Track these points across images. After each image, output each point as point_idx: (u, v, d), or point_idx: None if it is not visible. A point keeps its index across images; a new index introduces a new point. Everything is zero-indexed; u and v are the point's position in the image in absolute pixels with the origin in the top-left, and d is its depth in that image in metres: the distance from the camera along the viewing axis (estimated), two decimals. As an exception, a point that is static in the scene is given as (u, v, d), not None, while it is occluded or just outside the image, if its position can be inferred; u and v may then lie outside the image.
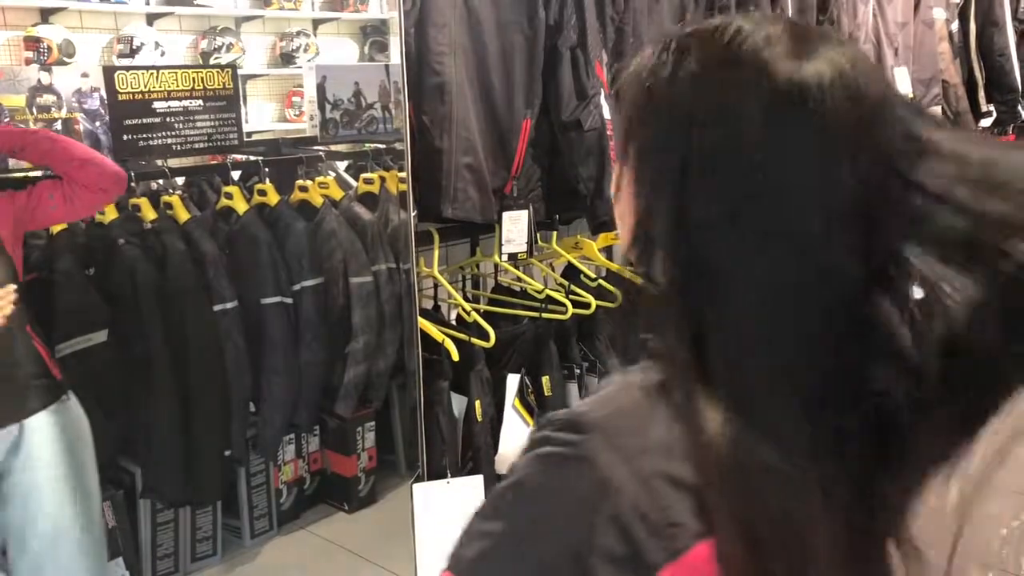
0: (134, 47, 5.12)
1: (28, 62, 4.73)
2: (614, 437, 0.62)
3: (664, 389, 0.64)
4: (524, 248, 2.12)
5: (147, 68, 3.04)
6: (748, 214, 0.62)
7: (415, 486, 1.88)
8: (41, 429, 1.98)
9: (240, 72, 5.54)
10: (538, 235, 2.26)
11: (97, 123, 2.99)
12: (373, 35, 6.46)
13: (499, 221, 2.12)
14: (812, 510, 0.60)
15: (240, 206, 2.94)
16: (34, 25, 4.88)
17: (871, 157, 0.62)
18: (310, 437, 3.30)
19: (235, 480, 3.04)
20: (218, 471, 2.83)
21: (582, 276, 2.33)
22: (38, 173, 2.64)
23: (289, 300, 2.94)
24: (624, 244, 0.71)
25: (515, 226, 2.11)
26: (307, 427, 3.20)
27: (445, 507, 1.90)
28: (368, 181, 3.37)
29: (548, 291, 2.18)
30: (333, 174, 3.59)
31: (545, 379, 2.16)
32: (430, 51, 1.92)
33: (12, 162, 2.66)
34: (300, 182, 3.18)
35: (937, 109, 3.59)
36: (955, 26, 3.83)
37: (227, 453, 2.85)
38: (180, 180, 3.18)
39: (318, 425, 3.30)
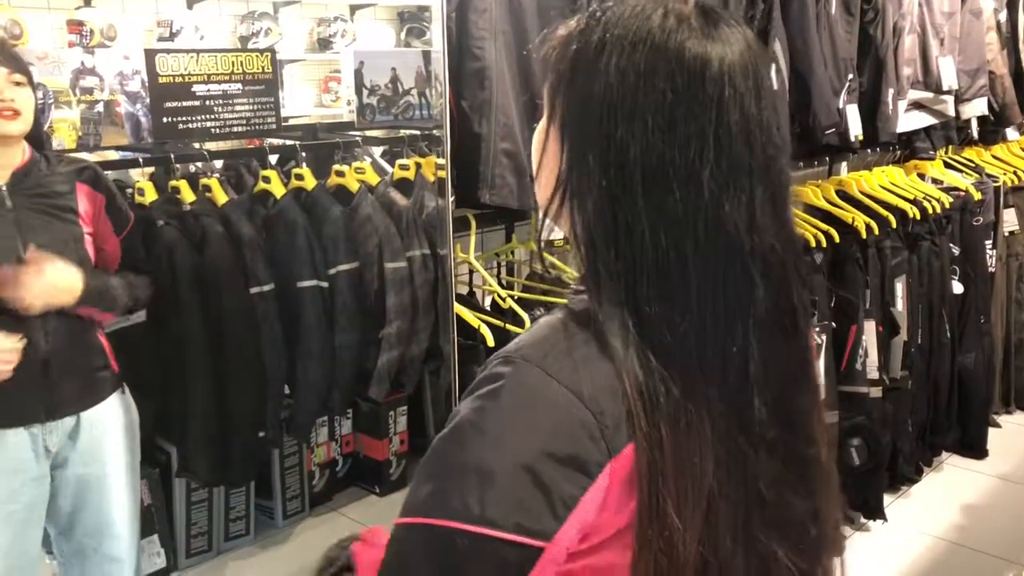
0: (174, 31, 5.16)
1: (71, 45, 4.79)
2: (542, 362, 0.70)
3: (585, 318, 0.73)
4: (561, 235, 2.11)
5: (187, 51, 3.06)
6: (655, 165, 0.71)
7: (449, 471, 1.89)
8: (98, 422, 1.99)
9: (278, 57, 5.58)
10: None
11: (137, 105, 3.02)
12: (410, 21, 6.46)
13: (536, 207, 2.12)
14: (703, 443, 0.70)
15: (278, 190, 2.96)
16: (77, 9, 4.94)
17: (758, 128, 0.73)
18: (343, 420, 3.32)
19: (268, 461, 3.07)
20: (252, 452, 2.86)
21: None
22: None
23: (325, 284, 2.95)
24: (544, 194, 0.79)
25: (552, 213, 2.10)
26: (340, 410, 3.22)
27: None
28: (403, 167, 3.37)
29: (584, 279, 2.17)
30: (369, 159, 3.60)
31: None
32: (470, 36, 1.91)
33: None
34: (337, 167, 3.19)
35: (983, 101, 3.52)
36: (1003, 16, 3.75)
37: (261, 434, 2.88)
38: (218, 163, 3.21)
39: (351, 408, 3.32)
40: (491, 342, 1.96)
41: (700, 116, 0.71)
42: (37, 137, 1.93)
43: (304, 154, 3.24)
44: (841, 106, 2.86)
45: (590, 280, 0.74)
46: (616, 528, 0.69)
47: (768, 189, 0.73)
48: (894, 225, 3.04)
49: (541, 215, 0.80)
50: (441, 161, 3.33)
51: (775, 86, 0.74)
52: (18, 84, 1.82)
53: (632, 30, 0.73)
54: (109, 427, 2.02)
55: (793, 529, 0.76)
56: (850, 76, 2.88)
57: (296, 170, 3.07)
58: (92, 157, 2.81)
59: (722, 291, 0.71)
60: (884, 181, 3.19)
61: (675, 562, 0.68)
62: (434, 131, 3.55)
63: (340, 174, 3.16)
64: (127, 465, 2.08)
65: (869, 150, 3.27)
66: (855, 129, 2.92)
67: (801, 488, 0.77)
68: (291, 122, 5.22)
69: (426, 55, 3.82)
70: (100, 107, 2.96)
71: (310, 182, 3.04)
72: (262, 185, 3.00)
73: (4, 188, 1.86)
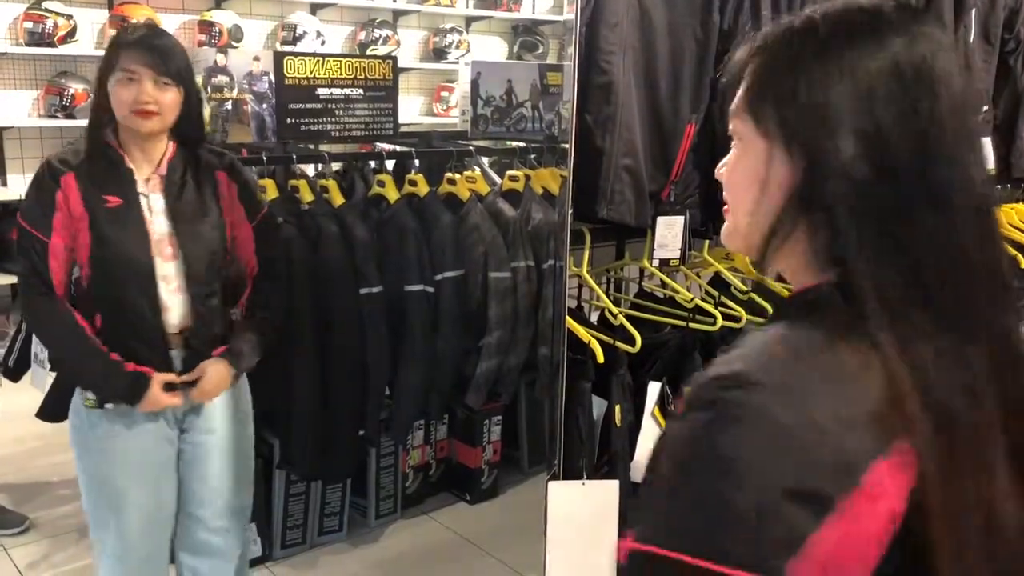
0: (297, 34, 5.34)
1: (200, 44, 5.00)
2: (780, 390, 0.67)
3: (818, 340, 0.71)
4: (677, 254, 2.08)
5: (313, 55, 3.15)
6: (914, 144, 0.72)
7: (551, 484, 1.87)
8: (221, 396, 2.10)
9: (393, 64, 5.71)
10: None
11: (264, 105, 3.12)
12: (523, 34, 6.52)
13: (653, 226, 2.09)
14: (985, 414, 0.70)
15: (391, 195, 3.01)
16: (208, 10, 5.15)
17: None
18: (439, 425, 3.35)
19: (365, 460, 3.12)
20: (351, 449, 2.91)
21: (732, 288, 2.27)
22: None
23: (431, 289, 2.98)
24: (769, 219, 0.77)
25: (669, 232, 2.07)
26: (437, 415, 3.25)
27: (578, 508, 1.88)
28: (513, 178, 3.38)
29: (697, 301, 2.13)
30: (478, 169, 3.64)
31: (687, 390, 2.11)
32: (599, 50, 1.91)
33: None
34: (449, 175, 3.23)
35: None
36: None
37: (361, 432, 2.93)
38: (335, 165, 3.29)
39: (447, 414, 3.34)
40: (601, 358, 1.94)
41: (930, 95, 0.73)
42: (184, 132, 2.03)
43: (417, 161, 3.29)
44: (973, 138, 2.75)
45: (848, 294, 0.72)
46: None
47: (978, 159, 0.77)
48: (1022, 264, 2.90)
49: (765, 242, 0.78)
50: (554, 172, 3.35)
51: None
52: (165, 85, 1.91)
53: (852, 30, 0.75)
54: (225, 402, 2.11)
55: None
56: (984, 107, 2.76)
57: (410, 176, 3.12)
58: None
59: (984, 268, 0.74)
60: (1014, 219, 3.05)
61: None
62: (547, 144, 3.55)
63: (452, 182, 3.20)
64: (244, 439, 2.19)
65: (999, 186, 3.13)
66: (987, 163, 2.80)
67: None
68: (401, 129, 5.34)
69: (541, 68, 3.84)
70: (229, 105, 3.07)
71: (423, 188, 3.08)
72: (377, 189, 3.06)
73: (156, 179, 1.97)
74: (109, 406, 1.96)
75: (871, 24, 0.75)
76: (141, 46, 1.89)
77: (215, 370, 2.00)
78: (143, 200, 1.95)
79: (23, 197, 2.00)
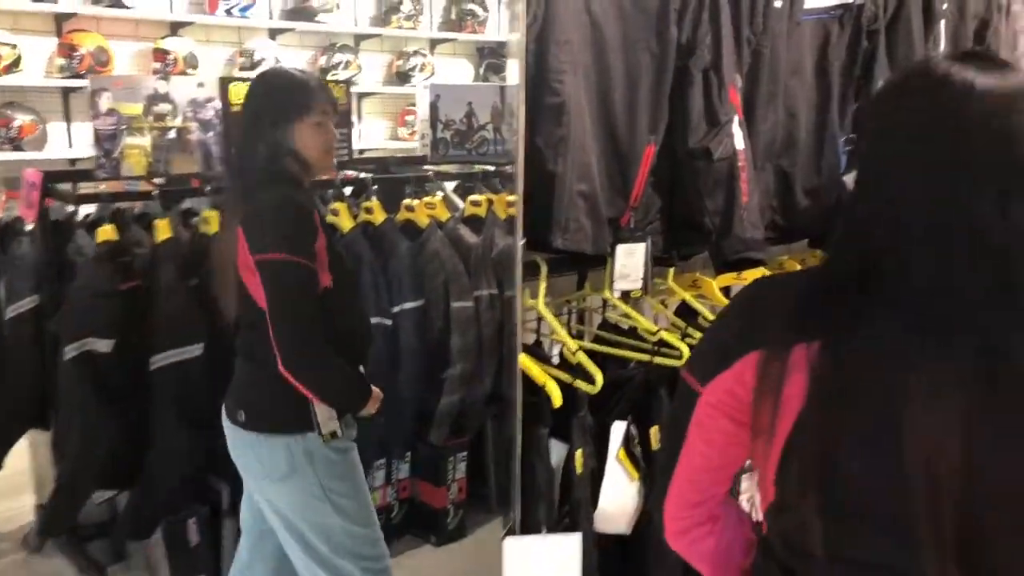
0: (255, 61, 5.20)
1: (155, 72, 4.86)
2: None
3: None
4: (639, 284, 1.95)
5: (262, 80, 3.01)
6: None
7: (507, 540, 1.72)
8: None
9: (356, 89, 5.59)
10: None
11: (210, 133, 2.98)
12: (489, 56, 6.43)
13: (612, 254, 1.96)
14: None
15: (345, 223, 2.88)
16: (163, 38, 5.01)
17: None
18: (401, 464, 3.19)
19: (322, 504, 2.95)
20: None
21: (700, 318, 2.14)
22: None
23: (388, 322, 2.85)
24: None
25: (630, 260, 1.94)
26: (399, 452, 3.10)
27: (538, 564, 1.73)
28: (475, 203, 3.27)
29: (662, 332, 1.99)
30: (441, 194, 3.51)
31: (654, 430, 1.96)
32: (550, 69, 1.78)
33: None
34: (407, 201, 3.10)
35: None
36: None
37: (316, 476, 2.76)
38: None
39: (409, 451, 3.19)
40: (557, 402, 1.79)
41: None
42: None
43: (375, 187, 3.15)
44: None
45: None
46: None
47: None
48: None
49: None
50: (512, 198, 3.22)
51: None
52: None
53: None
54: None
55: None
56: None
57: (366, 203, 2.99)
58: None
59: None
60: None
61: None
62: (507, 167, 3.43)
63: (410, 208, 3.07)
64: None
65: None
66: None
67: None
68: (365, 155, 5.21)
69: (503, 90, 3.73)
70: (172, 134, 2.93)
71: (379, 216, 2.96)
72: (330, 218, 2.92)
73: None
74: (339, 432, 1.95)
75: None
76: (325, 91, 2.02)
77: None
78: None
79: (267, 231, 1.83)
